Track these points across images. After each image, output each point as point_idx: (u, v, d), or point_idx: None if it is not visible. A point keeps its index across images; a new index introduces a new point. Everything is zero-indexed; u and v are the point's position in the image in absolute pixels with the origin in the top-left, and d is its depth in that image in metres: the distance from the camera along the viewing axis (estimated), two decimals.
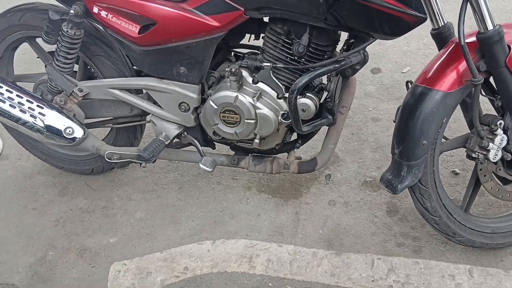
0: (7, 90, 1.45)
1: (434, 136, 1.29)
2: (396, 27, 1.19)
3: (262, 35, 1.41)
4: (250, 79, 1.37)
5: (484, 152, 1.32)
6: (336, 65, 1.27)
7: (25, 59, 2.61)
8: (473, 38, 1.24)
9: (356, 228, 1.65)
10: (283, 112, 1.37)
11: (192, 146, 1.61)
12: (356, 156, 1.90)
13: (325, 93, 1.43)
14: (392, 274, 1.49)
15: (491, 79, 1.31)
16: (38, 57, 1.73)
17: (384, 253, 1.56)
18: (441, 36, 1.38)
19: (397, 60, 2.30)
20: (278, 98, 1.37)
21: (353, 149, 1.92)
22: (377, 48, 2.38)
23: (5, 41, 1.67)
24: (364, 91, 2.17)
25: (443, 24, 1.36)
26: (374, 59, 2.33)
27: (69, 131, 1.49)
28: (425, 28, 1.37)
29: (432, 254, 1.54)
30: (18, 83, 1.80)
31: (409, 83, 1.39)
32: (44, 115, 1.47)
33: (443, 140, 1.42)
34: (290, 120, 1.36)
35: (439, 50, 1.38)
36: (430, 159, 1.33)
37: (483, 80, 1.20)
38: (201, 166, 1.51)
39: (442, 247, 1.56)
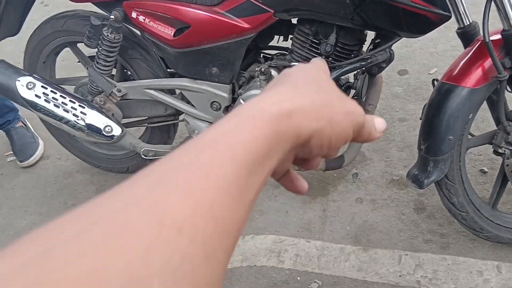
0: (51, 91, 1.55)
1: (460, 132, 1.31)
2: (421, 25, 1.23)
3: (290, 36, 1.47)
4: None
5: (511, 148, 1.33)
6: (362, 63, 1.32)
7: (64, 66, 2.74)
8: (498, 36, 1.26)
9: (383, 225, 1.67)
10: None
11: None
12: (383, 155, 1.92)
13: (352, 91, 1.48)
14: (419, 269, 1.51)
15: None
16: (78, 61, 1.84)
17: (411, 249, 1.58)
18: (466, 35, 1.40)
19: (424, 62, 2.32)
20: None
21: (380, 148, 1.95)
22: (404, 50, 2.40)
23: (49, 46, 1.78)
24: (391, 92, 2.19)
25: (468, 23, 1.38)
26: (401, 61, 2.35)
27: (108, 129, 1.57)
28: (453, 29, 1.40)
29: (460, 250, 1.55)
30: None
31: (435, 81, 1.42)
32: (85, 114, 1.56)
33: (470, 136, 1.44)
34: None
35: (465, 49, 1.40)
36: (457, 154, 1.35)
37: (508, 76, 1.22)
38: None
39: (470, 243, 1.57)
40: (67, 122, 1.56)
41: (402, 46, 2.41)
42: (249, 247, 1.67)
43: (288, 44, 1.50)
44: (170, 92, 1.66)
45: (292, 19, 1.40)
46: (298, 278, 1.55)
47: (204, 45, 1.44)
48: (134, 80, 1.69)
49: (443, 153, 1.31)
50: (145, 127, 1.88)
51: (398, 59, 2.37)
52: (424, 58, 2.35)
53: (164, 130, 1.82)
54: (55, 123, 1.59)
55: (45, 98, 1.54)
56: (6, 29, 1.70)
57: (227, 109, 1.56)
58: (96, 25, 1.54)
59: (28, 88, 1.54)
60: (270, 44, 1.61)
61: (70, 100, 1.57)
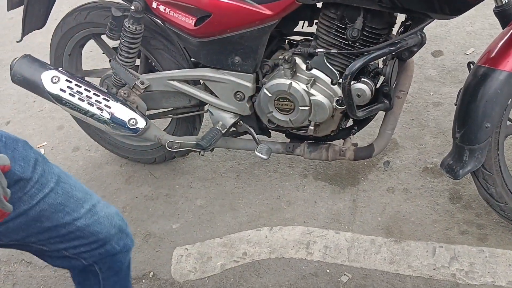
0: (76, 85, 1.55)
1: (498, 118, 1.23)
2: (455, 5, 1.14)
3: (315, 21, 1.41)
4: (303, 66, 1.37)
5: None
6: (392, 48, 1.24)
7: (93, 56, 2.76)
8: None
9: (417, 216, 1.61)
10: (337, 98, 1.37)
11: (248, 134, 1.64)
12: (416, 142, 1.84)
13: (381, 78, 1.41)
14: (455, 262, 1.45)
15: None
16: (103, 53, 1.84)
17: (446, 241, 1.51)
18: (504, 14, 1.30)
19: (460, 42, 2.20)
20: (332, 84, 1.36)
21: (413, 135, 1.87)
22: (438, 30, 2.28)
23: (73, 39, 1.78)
24: (424, 75, 2.09)
25: (506, 1, 1.29)
26: (436, 41, 2.23)
27: (133, 121, 1.56)
28: (490, 6, 1.30)
29: (498, 242, 1.48)
30: (86, 78, 1.94)
31: (471, 64, 1.33)
32: (109, 107, 1.56)
33: (509, 122, 1.35)
34: (345, 106, 1.35)
35: (503, 29, 1.31)
36: (495, 142, 1.27)
37: None
38: (257, 153, 1.54)
39: (509, 235, 1.49)
40: (92, 115, 1.56)
41: (436, 26, 2.29)
42: (277, 238, 1.64)
43: (313, 29, 1.44)
44: (194, 82, 1.63)
45: (317, 3, 1.33)
46: (328, 270, 1.51)
47: (226, 34, 1.40)
48: (158, 71, 1.67)
49: (480, 142, 1.23)
50: (171, 119, 1.86)
51: (432, 39, 2.26)
52: (460, 37, 2.23)
53: (190, 121, 1.80)
54: (80, 116, 1.59)
55: (70, 92, 1.54)
56: (32, 23, 1.71)
57: (251, 99, 1.52)
58: (117, 16, 1.52)
59: (53, 82, 1.54)
60: (295, 30, 1.55)
61: (94, 94, 1.56)
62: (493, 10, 1.34)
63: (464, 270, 1.42)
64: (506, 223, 1.46)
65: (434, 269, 1.44)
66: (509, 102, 1.22)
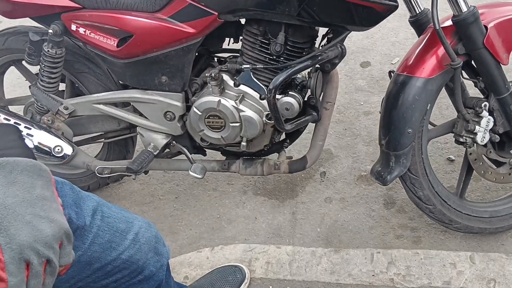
0: None
1: (419, 123, 1.27)
2: (368, 17, 1.18)
3: (240, 37, 1.41)
4: (231, 83, 1.37)
5: (471, 136, 1.30)
6: (313, 61, 1.26)
7: (20, 83, 2.64)
8: (450, 22, 1.23)
9: (354, 224, 1.63)
10: (267, 113, 1.37)
11: (182, 154, 1.61)
12: (350, 151, 1.88)
13: (308, 90, 1.43)
14: (392, 267, 1.47)
15: (473, 62, 1.29)
16: (26, 80, 1.75)
17: (383, 247, 1.54)
18: (419, 23, 1.37)
19: (386, 52, 2.29)
20: (261, 99, 1.36)
21: (347, 145, 1.91)
22: (365, 42, 2.36)
23: None
24: (354, 86, 2.15)
25: (420, 11, 1.36)
26: (363, 53, 2.31)
27: (58, 149, 1.49)
28: None
29: (432, 243, 1.52)
30: (10, 107, 1.84)
31: (391, 73, 1.38)
32: (32, 135, 1.48)
33: (431, 126, 1.40)
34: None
35: (418, 37, 1.37)
36: (418, 147, 1.32)
37: (462, 63, 1.18)
38: (191, 173, 1.51)
39: (441, 235, 1.54)
40: None
41: (363, 38, 2.38)
42: (218, 258, 1.61)
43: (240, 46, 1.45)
44: (124, 104, 1.59)
45: (240, 20, 1.34)
46: (270, 287, 1.49)
47: (150, 54, 1.37)
48: (85, 95, 1.61)
49: (404, 147, 1.27)
50: (103, 144, 1.80)
51: (359, 51, 2.34)
52: (385, 48, 2.32)
53: (122, 144, 1.74)
54: None
55: None
56: None
57: (182, 118, 1.50)
58: (35, 41, 1.46)
59: None
60: (224, 47, 1.55)
61: (14, 122, 1.48)
62: (409, 20, 1.41)
63: (402, 274, 1.45)
64: (437, 224, 1.51)
65: (373, 275, 1.46)
66: (428, 107, 1.27)
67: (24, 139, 0.58)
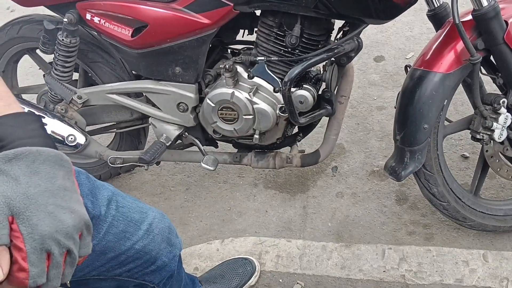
0: None
1: (435, 119, 1.26)
2: (386, 10, 1.16)
3: (255, 29, 1.40)
4: (245, 75, 1.36)
5: (489, 133, 1.28)
6: (329, 54, 1.25)
7: (33, 72, 2.65)
8: (469, 17, 1.20)
9: (365, 219, 1.62)
10: (280, 105, 1.36)
11: (194, 146, 1.61)
12: (362, 146, 1.87)
13: (323, 84, 1.42)
14: (403, 263, 1.46)
15: (492, 58, 1.27)
16: (40, 68, 1.76)
17: (394, 243, 1.53)
18: (437, 17, 1.35)
19: (401, 47, 2.26)
20: (274, 91, 1.35)
21: (359, 139, 1.89)
22: (379, 36, 2.34)
23: (6, 55, 1.70)
24: (368, 80, 2.13)
25: (438, 5, 1.33)
26: (377, 47, 2.29)
27: (71, 138, 1.50)
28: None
29: (444, 240, 1.51)
30: (23, 95, 1.84)
31: (407, 68, 1.36)
32: (46, 124, 1.48)
33: (447, 123, 1.38)
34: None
35: (436, 32, 1.35)
36: (433, 143, 1.30)
37: (481, 58, 1.16)
38: (203, 165, 1.51)
39: (454, 233, 1.52)
40: None
41: (377, 32, 2.35)
42: (228, 251, 1.61)
43: (255, 37, 1.43)
44: (137, 95, 1.58)
45: (255, 11, 1.33)
46: (280, 280, 1.49)
47: (164, 44, 1.37)
48: (98, 84, 1.61)
49: (419, 143, 1.25)
50: (115, 134, 1.80)
51: (373, 45, 2.31)
52: (400, 42, 2.29)
53: (134, 135, 1.74)
54: None
55: None
56: None
57: (195, 110, 1.49)
58: (50, 29, 1.46)
59: None
60: (238, 38, 1.54)
61: (29, 111, 1.48)
62: (427, 14, 1.38)
63: (413, 271, 1.44)
64: (450, 221, 1.49)
65: (384, 271, 1.45)
66: (444, 103, 1.25)
67: (46, 128, 0.57)
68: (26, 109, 1.49)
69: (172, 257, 0.97)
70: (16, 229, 0.47)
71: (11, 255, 0.47)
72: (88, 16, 1.40)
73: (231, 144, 1.63)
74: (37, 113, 1.49)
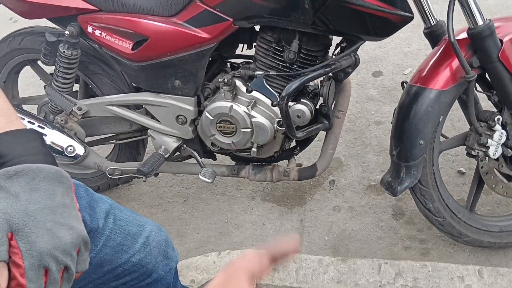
0: None
1: (431, 135, 1.27)
2: (383, 27, 1.18)
3: (254, 44, 1.42)
4: (244, 88, 1.37)
5: (484, 149, 1.29)
6: (327, 69, 1.27)
7: (34, 82, 2.66)
8: (465, 35, 1.22)
9: (362, 233, 1.63)
10: (278, 119, 1.37)
11: (193, 158, 1.62)
12: (359, 161, 1.88)
13: (321, 98, 1.43)
14: (399, 278, 1.46)
15: (487, 75, 1.29)
16: (40, 79, 1.77)
17: (391, 257, 1.53)
18: (433, 35, 1.37)
19: (398, 62, 2.28)
20: (272, 105, 1.37)
21: (357, 154, 1.91)
22: (377, 52, 2.36)
23: (8, 66, 1.71)
24: (365, 95, 2.15)
25: (435, 23, 1.35)
26: (375, 62, 2.31)
27: (70, 149, 1.51)
28: None
29: (440, 256, 1.51)
30: (23, 106, 1.86)
31: (404, 84, 1.38)
32: (45, 135, 1.49)
33: (443, 139, 1.40)
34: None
35: (432, 49, 1.37)
36: (429, 159, 1.31)
37: (476, 76, 1.18)
38: (201, 177, 1.52)
39: (450, 248, 1.53)
40: None
41: (376, 47, 2.38)
42: (225, 263, 1.61)
43: (253, 52, 1.45)
44: (136, 107, 1.60)
45: (255, 27, 1.35)
46: None
47: (164, 58, 1.39)
48: (99, 96, 1.62)
49: (415, 159, 1.27)
50: (113, 145, 1.81)
51: (372, 60, 2.34)
52: (398, 58, 2.32)
53: (133, 146, 1.75)
54: None
55: None
56: None
57: (194, 122, 1.50)
58: (51, 41, 1.48)
59: None
60: (237, 52, 1.56)
61: (28, 121, 1.50)
62: (423, 32, 1.41)
63: (409, 286, 1.44)
64: (446, 237, 1.50)
65: (380, 286, 1.45)
66: (440, 119, 1.27)
67: (47, 145, 0.58)
68: (26, 120, 1.50)
69: (169, 270, 0.97)
70: (15, 246, 0.47)
71: (10, 271, 0.47)
72: (90, 29, 1.42)
73: (229, 157, 1.64)
74: (37, 124, 1.50)
